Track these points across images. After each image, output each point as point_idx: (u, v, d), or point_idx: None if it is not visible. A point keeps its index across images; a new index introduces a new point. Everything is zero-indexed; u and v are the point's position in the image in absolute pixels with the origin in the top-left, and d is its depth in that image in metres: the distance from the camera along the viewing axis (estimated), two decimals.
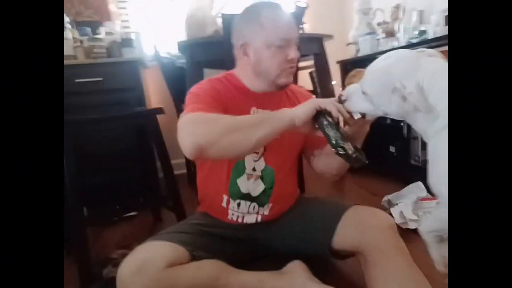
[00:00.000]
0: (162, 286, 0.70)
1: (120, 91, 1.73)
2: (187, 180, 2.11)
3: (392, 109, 0.61)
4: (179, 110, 2.08)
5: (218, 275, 0.77)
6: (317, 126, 0.70)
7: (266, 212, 0.93)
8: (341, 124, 0.72)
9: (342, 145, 0.65)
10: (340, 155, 0.66)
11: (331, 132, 0.67)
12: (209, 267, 0.78)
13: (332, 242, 0.84)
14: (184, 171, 2.17)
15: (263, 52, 0.82)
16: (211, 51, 1.42)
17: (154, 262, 0.71)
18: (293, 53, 0.83)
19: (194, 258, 0.79)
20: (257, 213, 0.93)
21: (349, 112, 0.70)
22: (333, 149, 0.66)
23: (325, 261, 0.97)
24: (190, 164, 2.08)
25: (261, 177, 0.91)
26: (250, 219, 0.93)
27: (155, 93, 2.30)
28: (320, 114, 0.69)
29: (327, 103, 0.69)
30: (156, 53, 1.97)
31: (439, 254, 0.62)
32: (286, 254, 0.93)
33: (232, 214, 0.93)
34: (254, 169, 0.91)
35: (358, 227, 0.80)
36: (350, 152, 0.65)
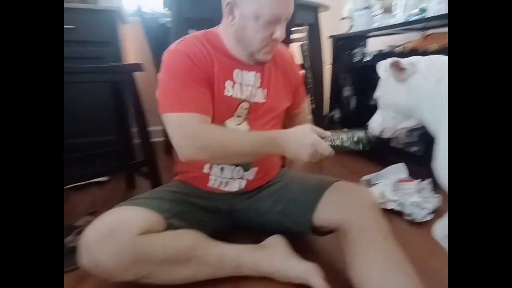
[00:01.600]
0: (134, 254, 0.66)
1: (94, 44, 1.58)
2: (164, 149, 2.02)
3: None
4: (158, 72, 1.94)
5: (195, 245, 0.74)
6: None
7: (251, 177, 0.90)
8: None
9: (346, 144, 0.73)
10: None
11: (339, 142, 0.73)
12: (186, 237, 0.74)
13: (313, 217, 0.82)
14: (162, 138, 2.07)
15: (249, 22, 0.75)
16: (201, 7, 1.28)
17: (127, 227, 0.67)
18: (279, 33, 0.76)
19: (170, 226, 0.75)
20: (242, 178, 0.89)
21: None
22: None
23: (305, 236, 0.95)
24: None
25: None
26: (234, 185, 0.89)
27: (134, 53, 2.12)
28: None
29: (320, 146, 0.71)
30: (138, 7, 1.79)
31: None
32: (266, 227, 0.91)
33: (215, 180, 0.88)
34: None
35: (341, 204, 0.78)
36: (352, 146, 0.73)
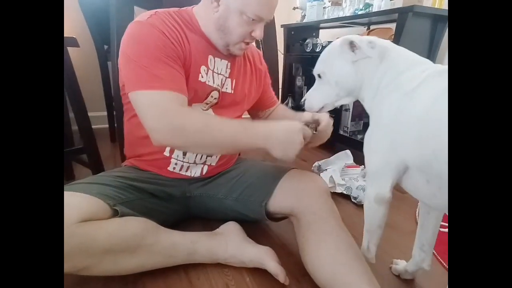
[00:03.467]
0: (74, 243, 0.58)
1: None
2: (109, 136, 1.87)
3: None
4: (99, 52, 1.77)
5: (144, 233, 0.69)
6: None
7: (214, 163, 0.89)
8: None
9: None
10: None
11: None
12: (135, 224, 0.68)
13: (269, 204, 0.83)
14: (105, 125, 1.91)
15: (233, 15, 0.74)
16: None
17: (65, 215, 0.58)
18: (259, 32, 0.76)
19: (116, 214, 0.68)
20: (204, 163, 0.87)
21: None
22: None
23: (259, 222, 0.96)
24: (113, 118, 1.82)
25: None
26: (195, 171, 0.87)
27: (68, 28, 1.90)
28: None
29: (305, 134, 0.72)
30: None
31: None
32: (221, 214, 0.90)
33: (175, 164, 0.85)
34: None
35: (296, 191, 0.80)
36: None
